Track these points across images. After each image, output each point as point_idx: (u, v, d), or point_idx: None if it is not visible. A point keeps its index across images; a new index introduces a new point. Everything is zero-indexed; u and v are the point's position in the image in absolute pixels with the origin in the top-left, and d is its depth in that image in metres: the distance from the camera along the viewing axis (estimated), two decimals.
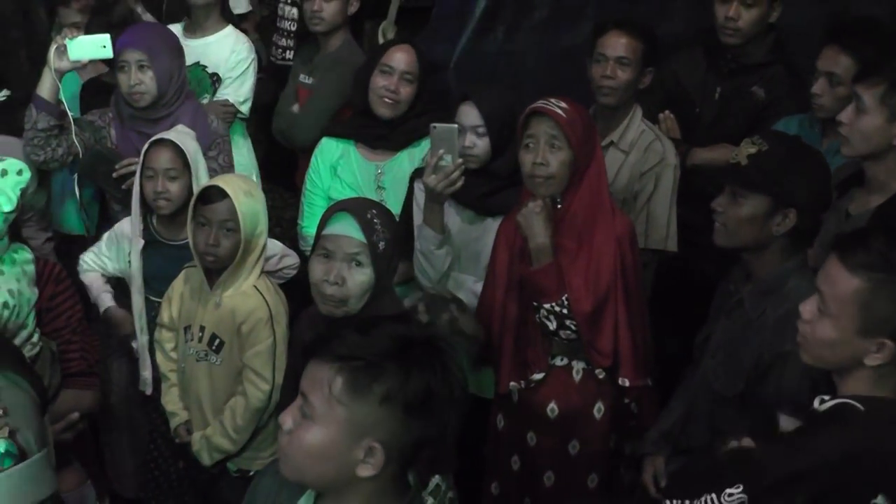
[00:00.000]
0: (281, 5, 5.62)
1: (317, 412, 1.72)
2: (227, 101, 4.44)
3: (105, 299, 3.74)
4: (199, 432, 3.33)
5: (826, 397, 2.24)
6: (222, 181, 3.25)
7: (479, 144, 3.36)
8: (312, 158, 3.98)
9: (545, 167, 3.09)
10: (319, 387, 1.72)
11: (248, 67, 4.55)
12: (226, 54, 4.49)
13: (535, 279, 3.12)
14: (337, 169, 3.89)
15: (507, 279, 3.24)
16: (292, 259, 3.75)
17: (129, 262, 3.65)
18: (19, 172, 2.79)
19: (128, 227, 3.66)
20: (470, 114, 3.36)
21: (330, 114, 4.26)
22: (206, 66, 4.50)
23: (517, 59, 4.47)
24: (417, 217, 3.43)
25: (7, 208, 2.74)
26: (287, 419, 1.75)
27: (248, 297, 3.23)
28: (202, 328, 3.27)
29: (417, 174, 3.52)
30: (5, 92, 3.86)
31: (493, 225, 3.39)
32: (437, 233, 3.31)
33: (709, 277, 3.25)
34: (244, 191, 3.21)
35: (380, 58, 3.79)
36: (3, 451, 1.74)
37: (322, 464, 1.73)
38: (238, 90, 4.48)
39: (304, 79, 4.51)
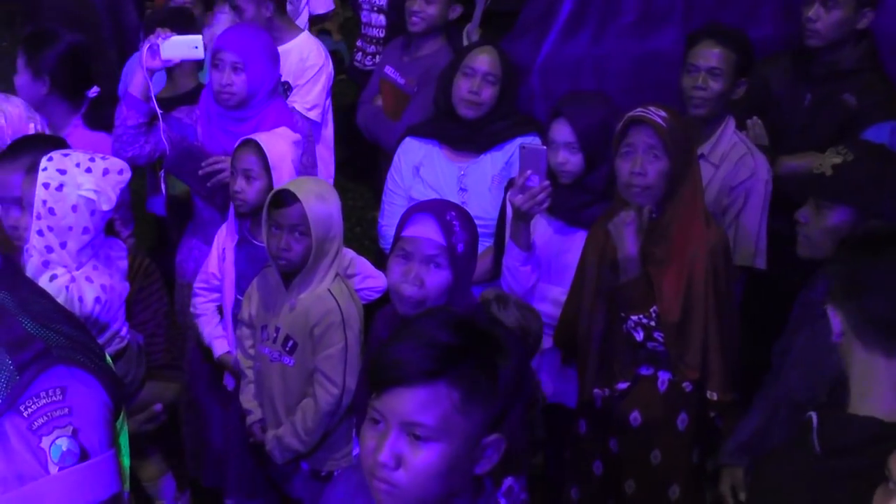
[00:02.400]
0: (366, 12, 5.66)
1: (436, 431, 1.68)
2: (294, 108, 4.47)
3: (218, 346, 3.71)
4: (272, 431, 3.36)
5: None
6: (294, 185, 3.26)
7: (573, 160, 3.35)
8: (395, 157, 4.00)
9: (643, 177, 3.05)
10: (433, 407, 1.68)
11: (316, 74, 4.57)
12: (295, 62, 4.51)
13: (624, 291, 3.09)
14: (420, 169, 3.90)
15: (595, 287, 3.22)
16: (377, 282, 3.64)
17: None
18: (120, 172, 2.84)
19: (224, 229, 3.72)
20: (563, 130, 3.34)
21: None
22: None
23: (602, 62, 4.44)
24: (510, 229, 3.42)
25: (106, 207, 2.80)
26: (388, 457, 1.69)
27: (322, 300, 3.24)
28: (277, 329, 3.30)
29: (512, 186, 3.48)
30: (95, 89, 3.96)
31: (583, 237, 3.36)
32: (522, 249, 3.31)
33: (793, 286, 3.19)
34: (316, 195, 3.22)
35: (463, 59, 3.80)
36: (64, 449, 1.74)
37: (449, 478, 1.71)
38: (305, 97, 4.50)
39: (391, 72, 4.51)
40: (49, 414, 1.74)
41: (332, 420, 3.28)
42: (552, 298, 3.42)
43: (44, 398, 1.74)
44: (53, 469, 1.74)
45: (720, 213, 3.63)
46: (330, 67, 4.65)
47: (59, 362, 1.77)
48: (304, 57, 4.55)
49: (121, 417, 1.92)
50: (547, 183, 3.23)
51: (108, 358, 1.97)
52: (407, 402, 1.69)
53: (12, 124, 3.43)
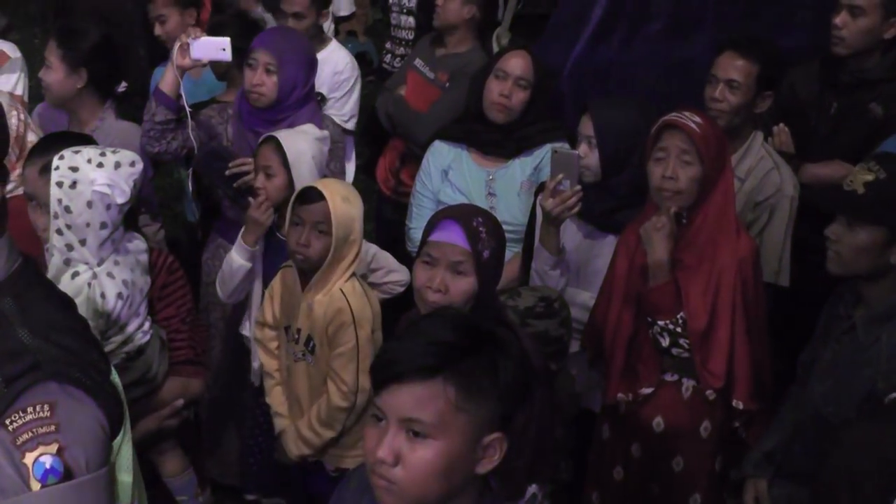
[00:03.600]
0: (395, 14, 5.68)
1: (433, 428, 1.68)
2: (328, 115, 4.47)
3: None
4: (292, 423, 3.37)
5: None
6: (321, 183, 3.27)
7: (591, 156, 3.34)
8: (424, 160, 4.00)
9: (674, 182, 3.03)
10: (430, 403, 1.68)
11: (351, 86, 4.60)
12: (328, 75, 4.51)
13: (652, 297, 3.08)
14: (448, 173, 3.90)
15: (625, 291, 3.21)
16: (400, 276, 3.68)
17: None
18: (132, 164, 2.86)
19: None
20: (585, 123, 3.36)
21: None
22: None
23: (631, 69, 4.42)
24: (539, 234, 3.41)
25: (121, 200, 2.81)
26: (386, 453, 1.70)
27: (333, 299, 3.24)
28: (298, 329, 3.31)
29: (542, 190, 3.47)
30: (123, 84, 3.98)
31: (613, 242, 3.35)
32: (551, 254, 3.31)
33: (817, 296, 3.17)
34: (342, 196, 3.23)
35: (496, 63, 3.80)
36: (47, 467, 1.69)
37: (448, 476, 1.71)
38: (342, 109, 4.52)
39: (420, 66, 4.52)
40: (33, 430, 1.69)
41: (347, 417, 3.28)
42: (581, 303, 3.41)
43: (30, 413, 1.69)
44: (35, 486, 1.68)
45: (744, 228, 3.60)
46: (359, 76, 4.66)
47: (51, 378, 1.72)
48: (338, 70, 4.57)
49: (120, 435, 1.87)
50: (579, 187, 3.24)
51: (115, 374, 1.90)
52: (404, 399, 1.69)
53: None
